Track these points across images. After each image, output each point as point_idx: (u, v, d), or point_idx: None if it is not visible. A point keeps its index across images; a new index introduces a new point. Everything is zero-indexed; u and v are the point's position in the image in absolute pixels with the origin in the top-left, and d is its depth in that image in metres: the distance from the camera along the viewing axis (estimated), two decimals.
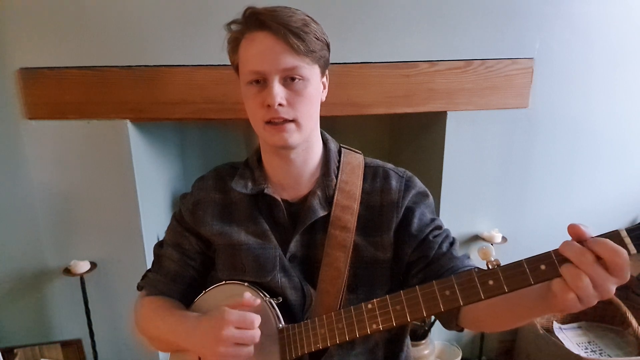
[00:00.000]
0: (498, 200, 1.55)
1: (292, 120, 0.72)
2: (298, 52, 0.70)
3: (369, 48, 1.31)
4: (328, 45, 0.77)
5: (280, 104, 0.70)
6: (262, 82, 0.72)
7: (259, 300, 0.71)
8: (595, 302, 0.52)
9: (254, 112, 0.74)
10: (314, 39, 0.72)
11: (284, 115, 0.71)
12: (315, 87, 0.76)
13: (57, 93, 1.25)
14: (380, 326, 0.66)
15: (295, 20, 0.71)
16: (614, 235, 0.51)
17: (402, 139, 1.85)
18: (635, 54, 1.46)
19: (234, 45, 0.75)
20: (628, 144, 1.57)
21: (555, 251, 0.54)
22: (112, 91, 1.26)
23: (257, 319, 0.69)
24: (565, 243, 0.53)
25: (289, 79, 0.72)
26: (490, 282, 0.58)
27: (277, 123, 0.72)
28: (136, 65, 1.25)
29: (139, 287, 0.91)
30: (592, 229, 0.53)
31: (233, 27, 0.74)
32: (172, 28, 1.24)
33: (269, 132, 0.73)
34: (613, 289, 0.52)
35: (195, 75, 1.27)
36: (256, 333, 0.69)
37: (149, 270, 0.91)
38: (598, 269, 0.51)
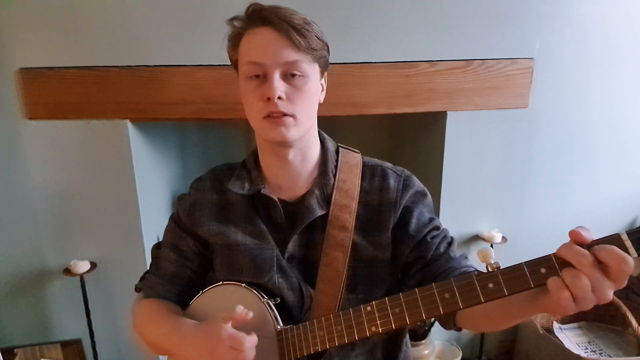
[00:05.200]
0: (498, 200, 1.55)
1: (291, 115, 0.72)
2: (299, 47, 0.70)
3: (369, 48, 1.31)
4: (328, 47, 0.77)
5: (279, 97, 0.70)
6: (262, 77, 0.72)
7: (251, 314, 0.71)
8: (591, 306, 0.52)
9: (252, 106, 0.74)
10: (315, 37, 0.73)
11: (282, 109, 0.71)
12: (315, 85, 0.76)
13: (57, 93, 1.25)
14: (380, 329, 0.66)
15: (297, 19, 0.72)
16: (615, 239, 0.51)
17: (402, 139, 1.85)
18: (635, 54, 1.46)
19: (235, 41, 0.75)
20: (627, 144, 1.57)
21: (556, 254, 0.54)
22: (112, 91, 1.26)
23: (249, 341, 0.68)
24: (565, 245, 0.53)
25: (290, 75, 0.72)
26: (490, 285, 0.58)
27: (275, 117, 0.72)
28: (136, 65, 1.25)
29: (137, 289, 0.91)
30: (593, 231, 0.53)
31: (235, 23, 0.74)
32: (172, 28, 1.24)
33: (267, 126, 0.73)
34: (611, 293, 0.52)
35: (195, 75, 1.27)
36: (248, 354, 0.68)
37: (146, 272, 0.91)
38: (597, 272, 0.50)
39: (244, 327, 0.70)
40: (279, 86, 0.70)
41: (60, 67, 1.23)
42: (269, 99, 0.70)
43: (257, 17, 0.71)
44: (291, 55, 0.70)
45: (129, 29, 1.23)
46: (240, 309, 0.70)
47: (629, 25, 1.42)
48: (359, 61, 1.31)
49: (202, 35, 1.25)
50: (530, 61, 1.40)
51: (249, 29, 0.73)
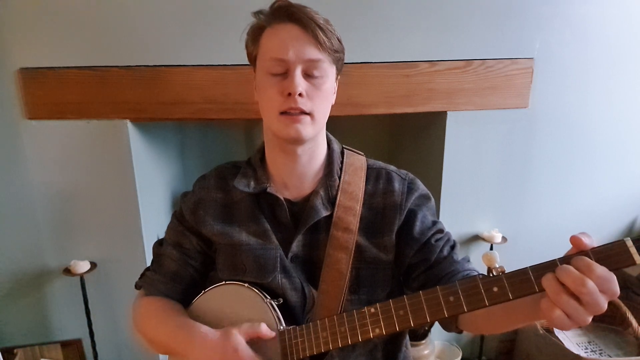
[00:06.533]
0: (498, 200, 1.55)
1: (308, 114, 0.73)
2: (323, 47, 0.71)
3: (369, 48, 1.31)
4: (344, 52, 0.78)
5: (300, 94, 0.71)
6: (282, 73, 0.72)
7: (274, 334, 0.71)
8: (589, 320, 0.51)
9: (271, 101, 0.73)
10: (336, 39, 0.74)
11: (301, 106, 0.71)
12: (331, 86, 0.77)
13: (57, 93, 1.25)
14: (383, 331, 0.65)
15: (322, 19, 0.73)
16: (619, 245, 0.51)
17: (402, 139, 1.85)
18: (635, 54, 1.46)
19: (256, 35, 0.75)
20: (627, 144, 1.57)
21: (561, 259, 0.54)
22: (112, 91, 1.26)
23: None
24: (560, 269, 0.52)
25: (309, 73, 0.72)
26: (495, 289, 0.58)
27: (292, 114, 0.72)
28: (136, 65, 1.25)
29: (137, 286, 0.91)
30: (593, 231, 0.52)
31: (260, 16, 0.75)
32: (172, 28, 1.24)
33: (283, 123, 0.72)
34: (605, 305, 0.51)
35: (195, 75, 1.27)
36: None
37: (147, 269, 0.91)
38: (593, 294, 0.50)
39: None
40: (301, 83, 0.71)
41: (60, 67, 1.23)
42: (289, 94, 0.71)
43: (283, 13, 0.72)
44: (314, 53, 0.71)
45: (129, 29, 1.23)
46: (265, 327, 0.71)
47: (629, 25, 1.43)
48: (359, 61, 1.31)
49: (202, 35, 1.25)
50: (530, 61, 1.40)
51: (274, 23, 0.73)
